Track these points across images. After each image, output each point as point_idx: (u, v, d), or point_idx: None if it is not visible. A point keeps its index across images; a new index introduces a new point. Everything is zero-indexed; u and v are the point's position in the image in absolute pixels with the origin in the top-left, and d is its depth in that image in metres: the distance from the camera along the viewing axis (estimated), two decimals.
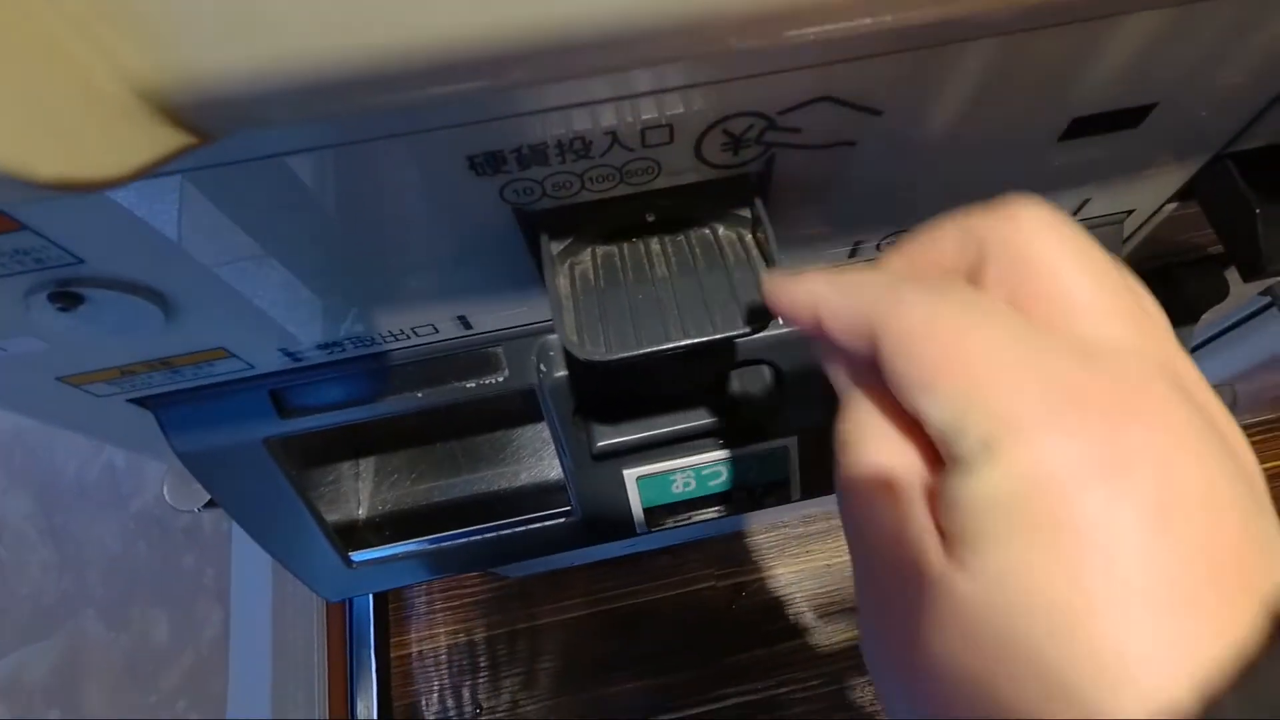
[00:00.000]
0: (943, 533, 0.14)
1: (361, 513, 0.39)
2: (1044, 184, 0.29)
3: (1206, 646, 0.11)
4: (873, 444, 0.15)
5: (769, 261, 0.23)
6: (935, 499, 0.14)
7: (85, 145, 0.12)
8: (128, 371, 0.26)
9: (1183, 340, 0.42)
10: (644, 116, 0.21)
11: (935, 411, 0.14)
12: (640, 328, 0.22)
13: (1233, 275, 0.42)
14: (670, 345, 0.22)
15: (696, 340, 0.22)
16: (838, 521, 1.04)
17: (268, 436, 0.30)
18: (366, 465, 0.41)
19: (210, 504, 0.41)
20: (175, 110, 0.13)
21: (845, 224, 0.29)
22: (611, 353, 0.21)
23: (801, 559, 1.08)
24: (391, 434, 0.41)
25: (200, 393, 0.28)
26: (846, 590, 1.05)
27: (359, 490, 0.40)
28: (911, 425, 0.15)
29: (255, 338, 0.26)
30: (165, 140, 0.14)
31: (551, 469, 0.42)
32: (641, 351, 0.21)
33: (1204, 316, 0.47)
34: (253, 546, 0.35)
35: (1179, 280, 0.44)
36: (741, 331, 0.22)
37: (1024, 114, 0.25)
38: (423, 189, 0.21)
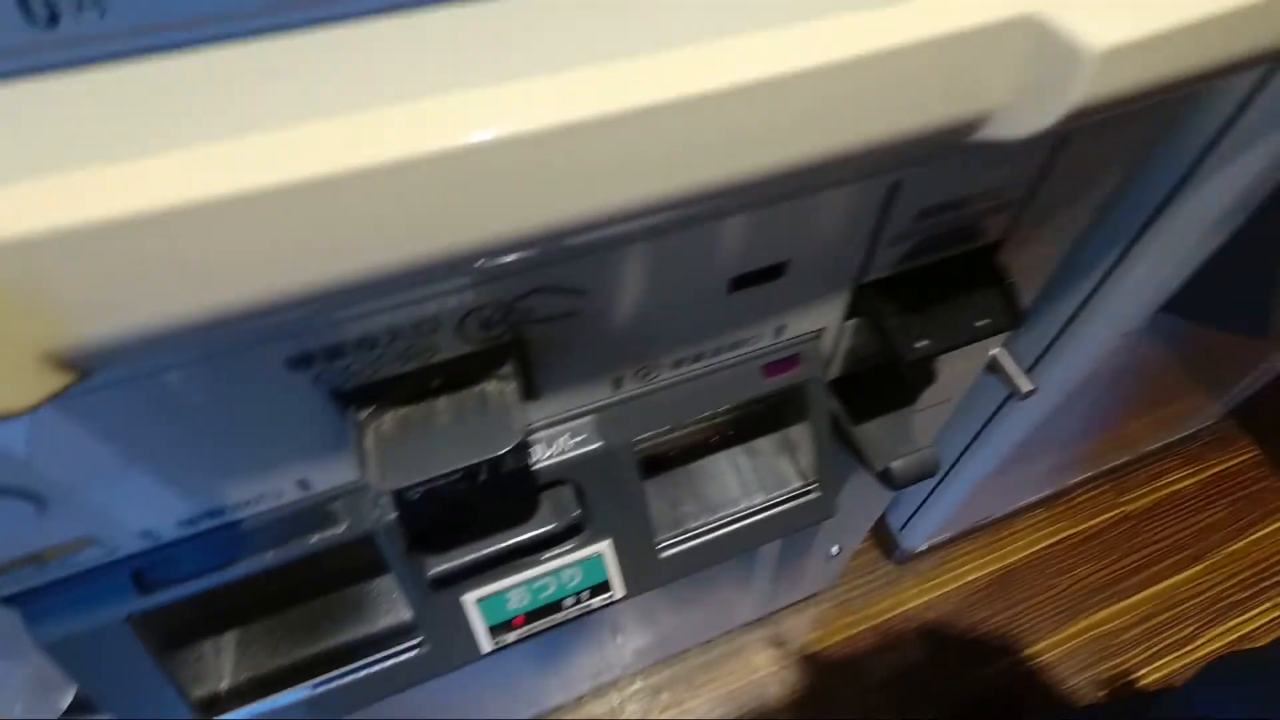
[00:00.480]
0: None
1: (224, 685, 0.43)
2: (736, 320, 0.40)
3: None
4: None
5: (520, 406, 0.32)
6: None
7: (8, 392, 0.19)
8: (1, 571, 0.30)
9: (903, 422, 0.54)
10: (416, 317, 0.29)
11: None
12: (428, 462, 0.30)
13: (944, 363, 0.55)
14: (447, 469, 0.29)
15: (466, 463, 0.30)
16: (738, 640, 1.07)
17: (130, 614, 0.35)
18: (228, 639, 0.44)
19: (70, 710, 0.43)
20: (65, 360, 0.21)
21: (598, 366, 0.39)
22: (407, 479, 0.29)
23: (709, 687, 1.06)
24: (251, 605, 0.45)
25: (65, 583, 0.33)
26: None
27: (220, 665, 0.43)
28: None
29: (118, 525, 0.32)
30: (57, 380, 0.21)
31: (402, 613, 0.47)
32: (426, 476, 0.29)
33: (927, 399, 0.60)
34: None
35: (889, 374, 0.57)
36: (498, 453, 0.30)
37: (693, 279, 0.36)
38: (252, 388, 0.29)
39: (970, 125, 0.28)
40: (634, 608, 0.81)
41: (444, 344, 0.31)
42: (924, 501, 1.04)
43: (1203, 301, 0.69)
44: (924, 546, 1.12)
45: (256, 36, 0.19)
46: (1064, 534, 1.19)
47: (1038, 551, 1.18)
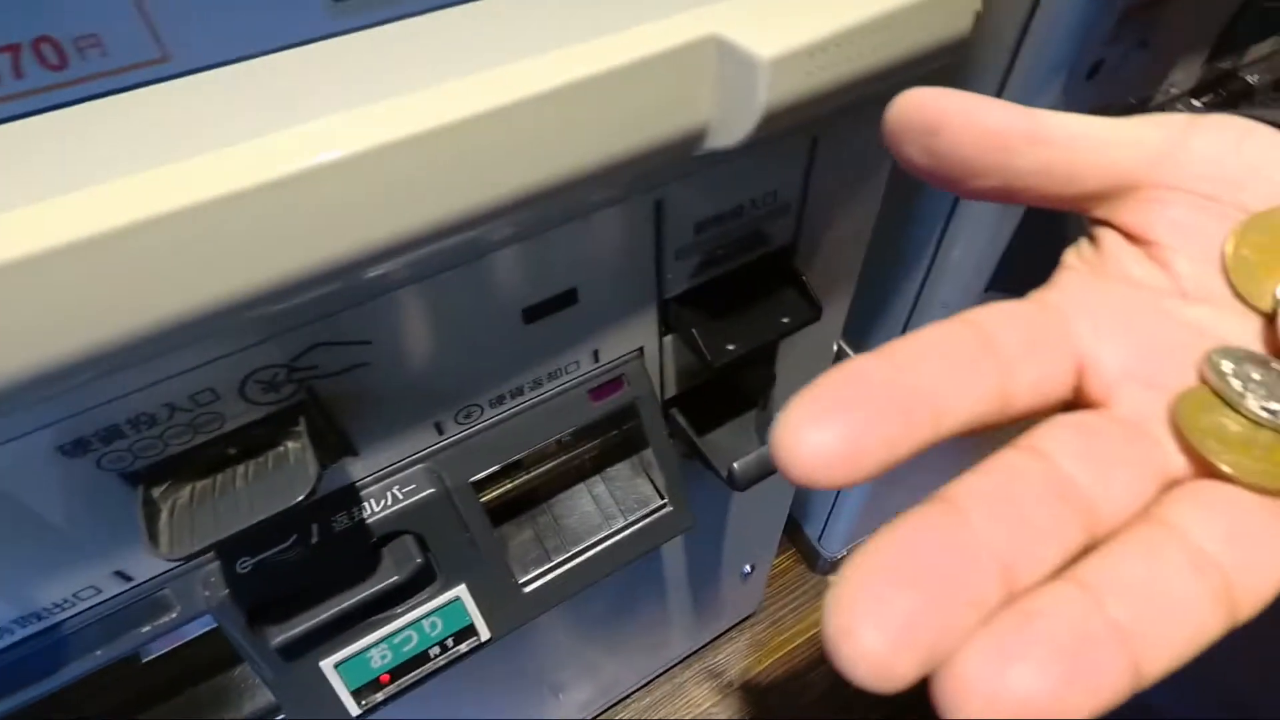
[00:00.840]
0: None
1: None
2: (544, 351, 0.43)
3: None
4: None
5: (321, 460, 0.34)
6: None
7: None
8: None
9: (748, 426, 0.57)
10: (191, 388, 0.31)
11: None
12: (221, 525, 0.31)
13: (783, 362, 0.58)
14: (239, 528, 0.31)
15: (258, 519, 0.31)
16: (678, 677, 1.08)
17: None
18: None
19: None
20: None
21: (412, 413, 0.40)
22: (194, 546, 0.30)
23: None
24: (109, 713, 0.44)
25: None
26: None
27: None
28: None
29: None
30: None
31: (265, 694, 0.47)
32: (216, 539, 0.30)
33: (779, 399, 0.63)
34: None
35: (727, 383, 0.60)
36: (293, 503, 0.31)
37: (483, 315, 0.38)
38: (32, 479, 0.30)
39: (689, 139, 0.32)
40: (567, 659, 0.81)
41: (230, 412, 0.33)
42: (832, 507, 1.07)
43: (1024, 277, 0.75)
44: (844, 552, 1.15)
45: None
46: None
47: None
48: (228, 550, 0.39)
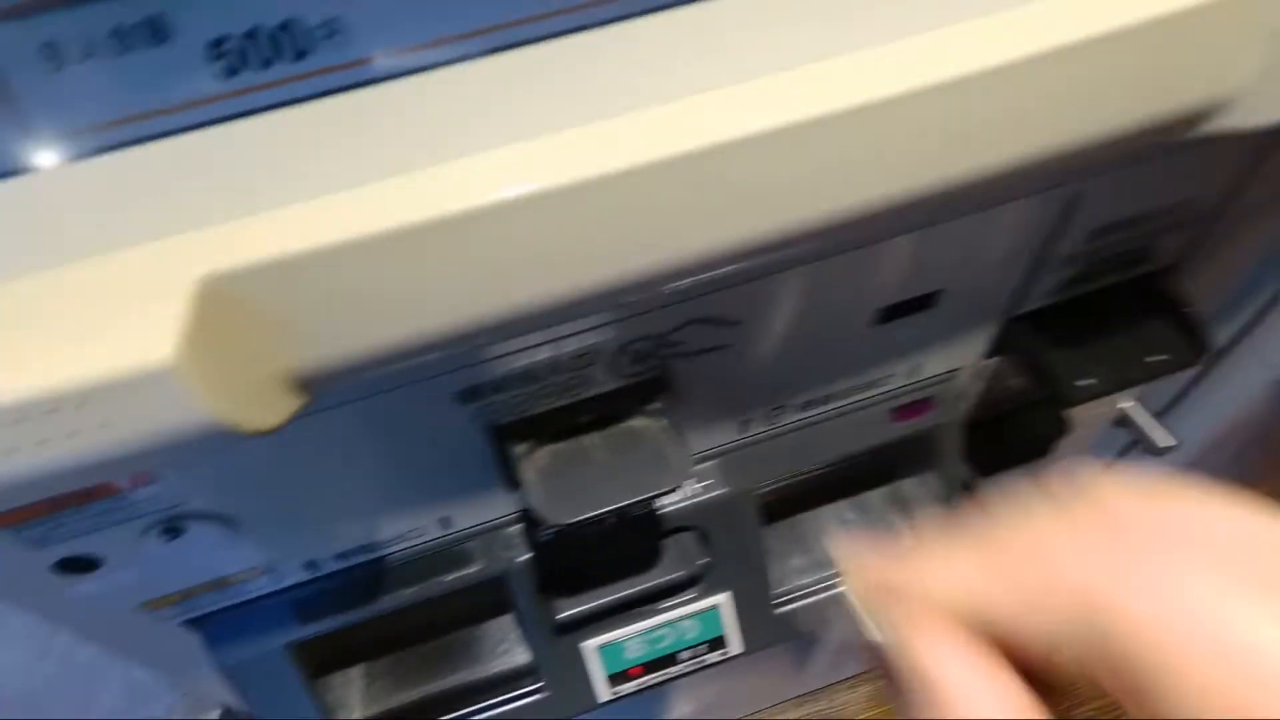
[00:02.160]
0: None
1: (355, 716, 0.44)
2: (878, 357, 0.41)
3: None
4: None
5: (678, 441, 0.33)
6: None
7: (259, 409, 0.21)
8: (189, 594, 0.32)
9: (1039, 474, 0.52)
10: (579, 348, 0.31)
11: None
12: (590, 498, 0.31)
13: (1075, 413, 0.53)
14: (613, 506, 0.31)
15: (631, 500, 0.31)
16: (787, 715, 1.04)
17: (290, 641, 0.36)
18: (356, 673, 0.46)
19: None
20: (302, 382, 0.23)
21: (732, 405, 0.40)
22: (573, 516, 0.30)
23: None
24: (375, 641, 0.47)
25: (238, 609, 0.35)
26: None
27: (350, 698, 0.45)
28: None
29: (289, 554, 0.34)
30: (291, 402, 0.23)
31: (519, 657, 0.48)
32: (594, 513, 0.30)
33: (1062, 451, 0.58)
34: None
35: (1019, 423, 0.55)
36: (661, 491, 0.31)
37: (842, 308, 0.36)
38: (427, 418, 0.31)
39: (1203, 114, 0.25)
40: None
41: (597, 378, 0.33)
42: None
43: None
44: None
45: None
46: None
47: None
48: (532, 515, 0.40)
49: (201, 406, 0.19)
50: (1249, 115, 0.24)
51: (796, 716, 1.05)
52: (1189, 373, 0.64)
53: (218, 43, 0.19)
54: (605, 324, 0.31)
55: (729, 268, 0.26)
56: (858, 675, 1.04)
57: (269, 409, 0.22)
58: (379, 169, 0.21)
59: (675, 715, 0.92)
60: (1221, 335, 0.59)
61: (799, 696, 1.04)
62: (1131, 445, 0.66)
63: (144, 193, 0.21)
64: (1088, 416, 0.55)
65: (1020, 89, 0.21)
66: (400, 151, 0.21)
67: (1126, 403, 0.57)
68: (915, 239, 0.34)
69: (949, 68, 0.21)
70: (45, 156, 0.20)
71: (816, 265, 0.33)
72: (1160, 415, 0.58)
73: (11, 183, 0.21)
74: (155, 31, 0.19)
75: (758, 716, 1.03)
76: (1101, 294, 0.40)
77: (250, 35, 0.19)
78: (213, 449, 0.21)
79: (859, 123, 0.21)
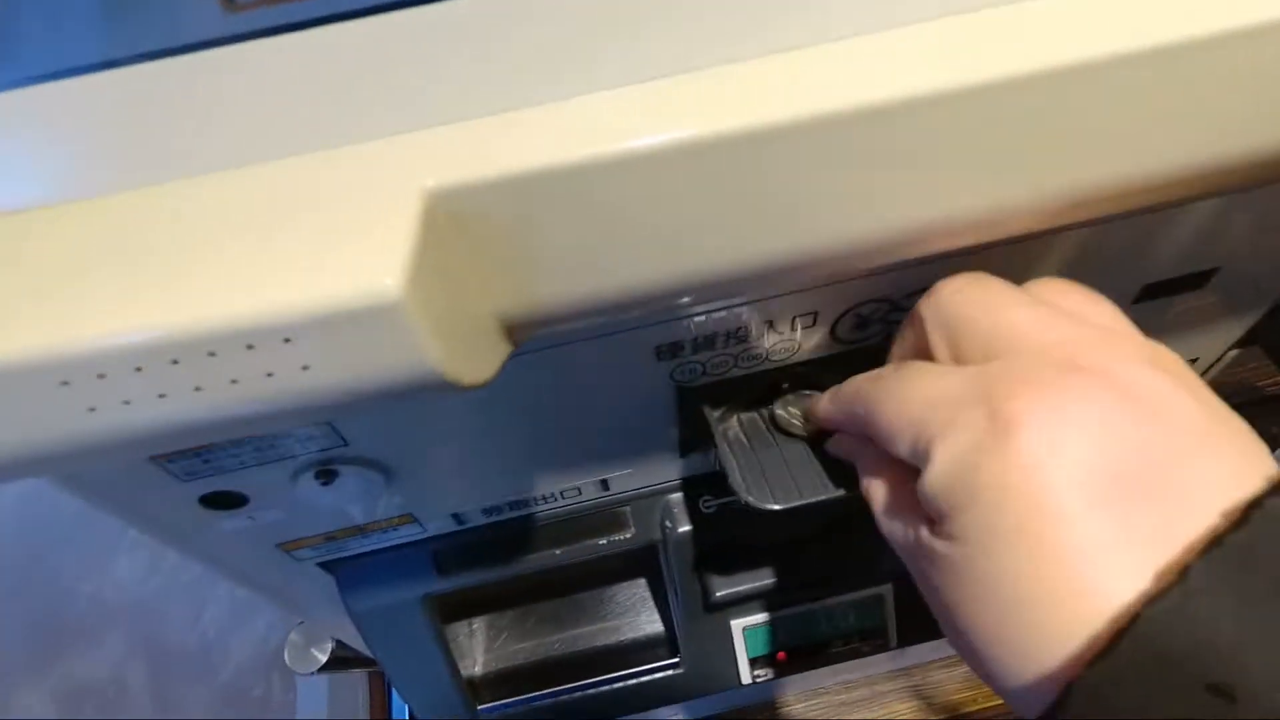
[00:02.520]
0: (930, 524, 0.18)
1: (478, 670, 0.41)
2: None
3: (1153, 533, 0.15)
4: (879, 489, 0.21)
5: None
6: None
7: (474, 360, 0.17)
8: (331, 537, 0.29)
9: None
10: (799, 311, 0.26)
11: (899, 447, 0.19)
12: (797, 481, 0.26)
13: None
14: (828, 496, 0.26)
15: (842, 493, 0.26)
16: (880, 687, 1.01)
17: (426, 594, 0.33)
18: (479, 625, 0.43)
19: (324, 668, 0.43)
20: (516, 328, 0.18)
21: None
22: (781, 502, 0.25)
23: None
24: (501, 594, 0.44)
25: (375, 556, 0.32)
26: None
27: (474, 649, 0.42)
28: (898, 467, 0.20)
29: (437, 505, 0.30)
30: (502, 351, 0.18)
31: (647, 625, 0.44)
32: (806, 501, 0.25)
33: None
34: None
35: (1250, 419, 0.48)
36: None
37: (1101, 284, 0.30)
38: (616, 373, 0.26)
39: None
40: None
41: (811, 342, 0.28)
42: None
43: None
44: None
45: None
46: None
47: None
48: (694, 484, 0.35)
49: (420, 352, 0.15)
50: None
51: (890, 688, 1.02)
52: None
53: None
54: (843, 281, 0.25)
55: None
56: (955, 656, 1.00)
57: (482, 358, 0.17)
58: (652, 65, 0.16)
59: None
60: None
61: (895, 670, 1.01)
62: None
63: (360, 75, 0.16)
64: None
65: None
66: (679, 47, 0.16)
67: None
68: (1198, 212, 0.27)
69: None
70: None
71: (1079, 232, 0.27)
72: None
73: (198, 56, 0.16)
74: None
75: (850, 682, 1.01)
76: None
77: None
78: (412, 400, 0.17)
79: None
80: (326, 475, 0.25)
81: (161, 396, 0.14)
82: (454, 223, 0.15)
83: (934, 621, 0.31)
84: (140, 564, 0.83)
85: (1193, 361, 0.38)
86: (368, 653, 0.36)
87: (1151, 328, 0.34)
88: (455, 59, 0.16)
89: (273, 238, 0.14)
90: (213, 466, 0.24)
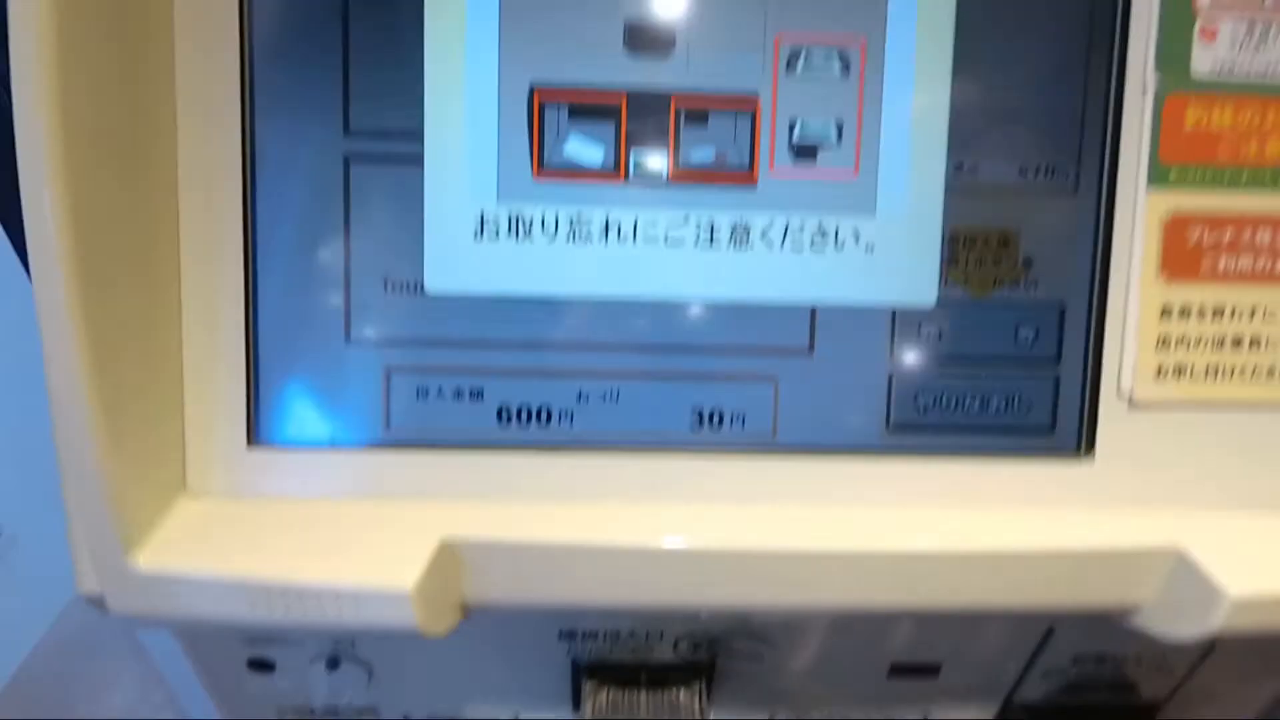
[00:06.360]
0: None
1: None
2: (894, 700, 0.48)
3: None
4: None
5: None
6: None
7: (438, 620, 0.33)
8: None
9: None
10: (657, 628, 0.41)
11: None
12: None
13: None
14: None
15: None
16: None
17: None
18: None
19: None
20: (465, 607, 0.34)
21: (765, 701, 0.48)
22: None
23: None
24: None
25: None
26: None
27: None
28: None
29: (393, 702, 0.44)
30: (455, 616, 0.35)
31: None
32: None
33: None
34: None
35: None
36: None
37: (861, 656, 0.45)
38: (528, 640, 0.42)
39: (1118, 614, 0.36)
40: None
41: (660, 651, 0.43)
42: None
43: None
44: None
45: None
46: None
47: None
48: None
49: (412, 618, 0.31)
50: (1155, 625, 0.35)
51: None
52: None
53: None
54: (690, 620, 0.41)
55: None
56: None
57: (443, 621, 0.34)
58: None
59: None
60: None
61: None
62: None
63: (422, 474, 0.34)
64: None
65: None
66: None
67: None
68: (931, 621, 0.43)
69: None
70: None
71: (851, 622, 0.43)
72: None
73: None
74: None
75: None
76: (1088, 711, 0.47)
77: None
78: (394, 637, 0.33)
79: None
80: (334, 664, 0.40)
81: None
82: (452, 555, 0.32)
83: None
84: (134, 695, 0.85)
85: None
86: None
87: (915, 696, 0.48)
88: None
89: (359, 542, 0.31)
90: (260, 638, 0.40)
